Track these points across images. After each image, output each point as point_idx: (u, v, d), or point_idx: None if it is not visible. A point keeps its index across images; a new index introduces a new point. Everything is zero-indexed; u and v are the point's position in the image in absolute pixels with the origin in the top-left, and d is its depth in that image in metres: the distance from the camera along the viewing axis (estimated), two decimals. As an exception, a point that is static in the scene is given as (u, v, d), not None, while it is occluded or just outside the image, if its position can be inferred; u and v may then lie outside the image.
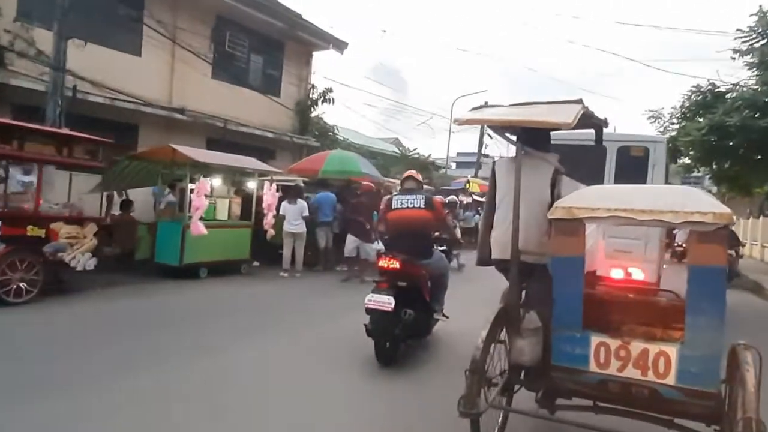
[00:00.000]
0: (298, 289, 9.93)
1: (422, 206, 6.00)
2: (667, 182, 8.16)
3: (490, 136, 30.24)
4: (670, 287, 4.30)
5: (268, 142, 17.08)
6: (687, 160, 18.91)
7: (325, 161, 13.57)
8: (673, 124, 18.63)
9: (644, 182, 7.17)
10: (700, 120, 15.80)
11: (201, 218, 9.88)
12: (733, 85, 16.49)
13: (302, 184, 12.96)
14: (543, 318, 3.36)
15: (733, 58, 16.34)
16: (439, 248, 6.74)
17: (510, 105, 3.84)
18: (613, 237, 6.41)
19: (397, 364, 5.48)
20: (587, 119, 3.65)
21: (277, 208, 11.52)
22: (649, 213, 2.88)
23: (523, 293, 3.67)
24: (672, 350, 2.85)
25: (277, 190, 12.24)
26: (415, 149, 29.94)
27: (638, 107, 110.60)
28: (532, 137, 3.68)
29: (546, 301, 3.32)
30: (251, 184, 12.12)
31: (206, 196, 10.23)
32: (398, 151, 29.80)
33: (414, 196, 6.09)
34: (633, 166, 7.34)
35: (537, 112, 3.55)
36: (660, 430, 3.20)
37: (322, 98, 19.22)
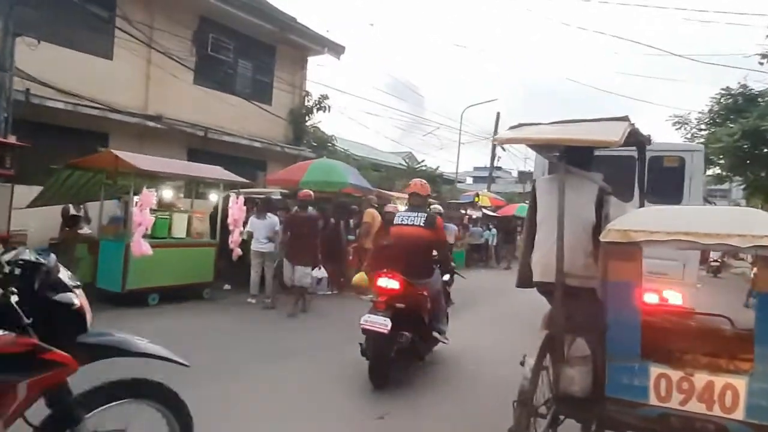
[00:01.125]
0: (262, 319, 9.07)
1: (422, 224, 6.16)
2: (705, 198, 8.05)
3: (504, 149, 30.58)
4: (708, 309, 4.32)
5: (257, 152, 16.96)
6: (717, 170, 18.70)
7: (306, 171, 13.05)
8: (701, 130, 18.62)
9: (680, 196, 7.05)
10: (732, 125, 15.69)
11: (146, 236, 9.18)
12: None
13: (279, 197, 12.73)
14: (592, 345, 3.37)
15: (761, 63, 16.34)
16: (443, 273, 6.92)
17: (551, 123, 3.91)
18: (645, 257, 6.30)
19: (392, 386, 5.64)
20: (632, 137, 3.70)
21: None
22: (714, 237, 2.93)
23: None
24: (740, 383, 2.89)
25: (255, 204, 11.74)
26: (422, 161, 30.06)
27: (661, 112, 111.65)
28: (575, 156, 3.75)
29: (595, 327, 3.34)
30: (213, 197, 11.74)
31: (156, 210, 9.83)
32: (405, 164, 29.86)
33: (416, 214, 6.28)
34: (666, 178, 7.05)
35: (582, 130, 3.64)
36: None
37: (318, 106, 19.16)
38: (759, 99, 16.49)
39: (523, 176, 48.49)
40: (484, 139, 35.25)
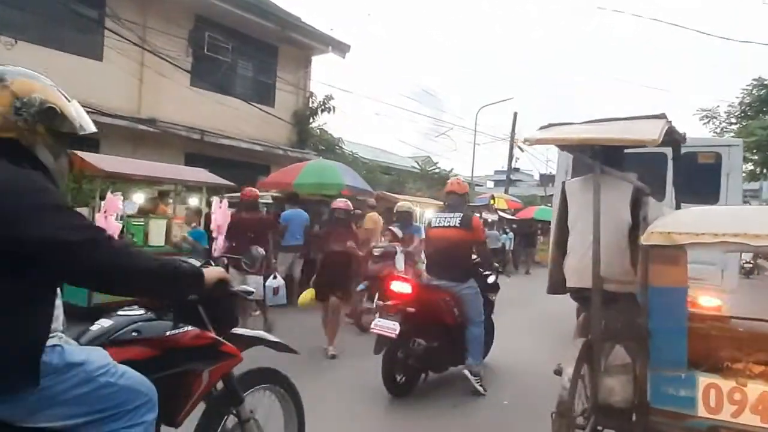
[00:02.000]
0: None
1: (458, 225, 6.10)
2: (743, 198, 7.94)
3: (522, 149, 30.80)
4: (745, 313, 4.31)
5: (259, 156, 17.01)
6: (750, 166, 18.23)
7: (300, 172, 12.73)
8: (731, 124, 18.53)
9: (717, 195, 6.92)
10: (766, 117, 15.69)
11: (118, 245, 9.08)
12: None
13: (270, 200, 12.64)
14: (632, 353, 3.36)
15: None
16: (486, 272, 6.84)
17: (583, 122, 3.92)
18: None
19: (413, 399, 5.69)
20: (667, 135, 3.68)
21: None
22: (765, 238, 2.88)
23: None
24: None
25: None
26: (436, 163, 30.47)
27: (688, 103, 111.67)
28: (607, 156, 3.76)
29: (635, 334, 3.32)
30: (193, 201, 11.67)
31: (131, 216, 9.75)
32: (418, 166, 30.08)
33: (451, 214, 6.23)
34: (702, 176, 6.91)
35: (617, 129, 3.68)
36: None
37: (323, 107, 19.24)
38: None
39: (545, 179, 48.60)
40: (500, 140, 35.16)
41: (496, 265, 7.69)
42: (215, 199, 10.90)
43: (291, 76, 18.60)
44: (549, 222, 28.87)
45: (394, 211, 10.89)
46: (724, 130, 18.82)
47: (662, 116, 3.65)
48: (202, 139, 15.06)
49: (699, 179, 6.67)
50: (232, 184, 11.83)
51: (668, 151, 6.72)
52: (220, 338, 2.73)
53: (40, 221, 1.93)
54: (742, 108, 17.87)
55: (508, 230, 25.10)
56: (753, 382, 2.97)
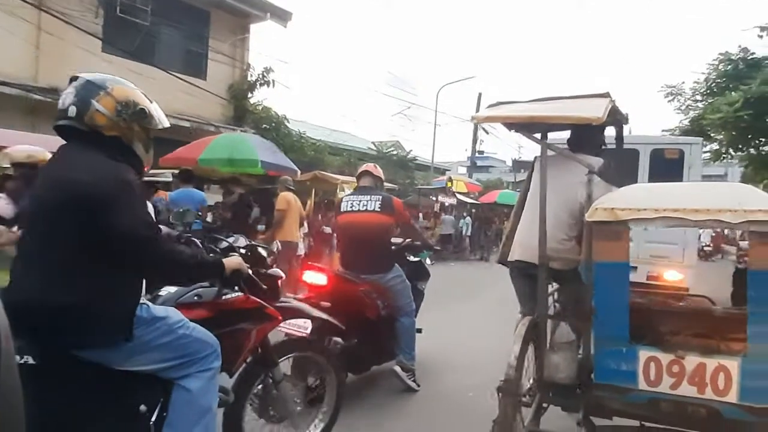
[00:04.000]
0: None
1: (378, 209, 5.97)
2: None
3: (486, 131, 31.59)
4: (699, 291, 4.78)
5: (186, 133, 16.47)
6: (715, 145, 18.88)
7: (206, 147, 12.38)
8: (696, 101, 19.06)
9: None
10: (733, 93, 15.84)
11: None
12: None
13: (169, 179, 12.54)
14: (577, 330, 3.74)
15: (761, 36, 16.78)
16: (413, 258, 6.90)
17: (531, 100, 4.32)
18: (650, 242, 8.10)
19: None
20: (612, 115, 4.10)
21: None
22: (704, 212, 3.29)
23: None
24: (733, 364, 3.27)
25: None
26: (410, 151, 31.60)
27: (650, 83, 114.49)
28: (579, 138, 4.33)
29: (580, 310, 3.71)
30: None
31: None
32: (375, 148, 30.83)
33: (368, 197, 6.07)
34: (667, 168, 8.54)
35: (562, 107, 4.08)
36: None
37: (261, 81, 19.35)
38: (764, 62, 16.71)
39: (518, 165, 49.88)
40: (463, 121, 36.03)
41: (437, 247, 7.96)
42: None
43: (226, 46, 18.55)
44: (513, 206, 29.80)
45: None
46: (689, 107, 19.56)
47: (606, 95, 4.04)
48: None
49: (667, 171, 8.33)
50: None
51: (643, 147, 8.76)
52: (264, 302, 3.58)
53: (123, 215, 2.63)
54: (708, 84, 18.36)
55: (466, 215, 25.74)
56: (690, 355, 3.38)
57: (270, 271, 3.86)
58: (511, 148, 74.56)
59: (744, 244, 9.93)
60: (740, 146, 17.79)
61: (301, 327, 5.26)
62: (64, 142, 2.89)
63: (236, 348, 3.41)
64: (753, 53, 17.10)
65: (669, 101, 20.02)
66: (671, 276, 8.18)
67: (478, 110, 31.89)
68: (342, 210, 6.17)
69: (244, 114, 19.43)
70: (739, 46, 17.44)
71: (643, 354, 3.46)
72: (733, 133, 16.53)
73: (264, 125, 20.39)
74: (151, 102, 3.01)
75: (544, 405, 4.05)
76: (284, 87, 43.63)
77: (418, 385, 6.06)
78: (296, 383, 4.14)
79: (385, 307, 5.94)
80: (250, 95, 19.71)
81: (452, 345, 7.87)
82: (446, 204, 25.51)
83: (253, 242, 3.98)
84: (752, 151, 17.79)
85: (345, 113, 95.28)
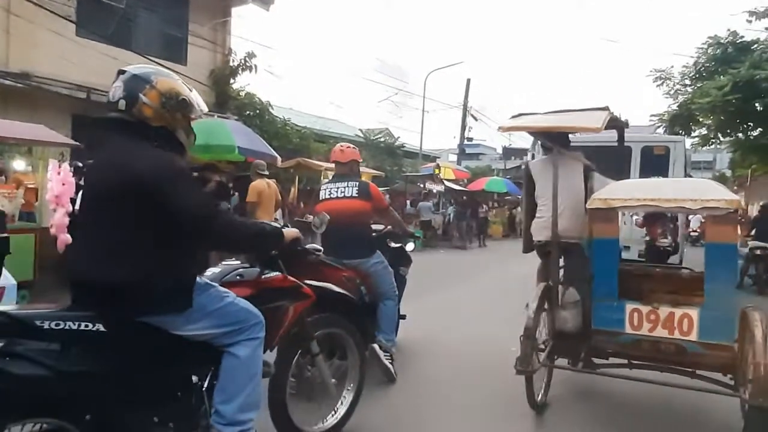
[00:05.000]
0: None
1: (355, 195, 6.40)
2: (687, 175, 11.84)
3: (475, 118, 34.22)
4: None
5: None
6: (703, 130, 19.72)
7: None
8: (685, 85, 19.71)
9: (666, 175, 10.82)
10: (722, 77, 16.49)
11: None
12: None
13: None
14: (581, 292, 5.27)
15: (749, 21, 17.52)
16: (394, 245, 7.19)
17: (546, 112, 6.02)
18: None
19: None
20: (612, 122, 5.75)
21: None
22: (673, 201, 4.92)
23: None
24: (694, 312, 4.84)
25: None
26: (380, 132, 32.50)
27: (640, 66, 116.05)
28: (559, 139, 5.82)
29: (583, 277, 5.24)
30: (19, 165, 11.53)
31: None
32: (361, 136, 31.77)
33: (345, 184, 6.49)
34: (656, 163, 11.17)
35: (569, 118, 5.71)
36: (685, 381, 5.18)
37: (244, 66, 19.87)
38: (753, 47, 17.35)
39: (507, 152, 52.21)
40: (452, 107, 37.25)
41: (416, 232, 9.03)
42: (52, 163, 10.44)
43: (207, 30, 18.90)
44: (502, 194, 31.38)
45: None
46: (678, 92, 20.13)
47: (605, 108, 5.66)
48: (89, 98, 14.99)
49: (655, 165, 11.03)
50: (75, 143, 11.90)
51: (635, 145, 11.30)
52: (300, 282, 4.09)
53: (184, 198, 3.08)
54: (697, 68, 19.01)
55: (452, 201, 27.26)
56: (663, 306, 4.95)
57: (309, 246, 4.17)
58: (501, 136, 75.85)
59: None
60: (728, 131, 18.55)
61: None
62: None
63: (276, 323, 3.76)
64: (742, 37, 17.83)
65: (658, 86, 20.66)
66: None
67: (466, 96, 34.49)
68: (321, 198, 6.59)
69: (226, 100, 19.78)
70: (728, 30, 18.08)
71: (629, 307, 5.03)
72: (722, 117, 17.23)
73: (247, 112, 21.06)
74: (190, 90, 3.38)
75: (555, 357, 5.62)
76: (270, 74, 43.93)
77: (396, 373, 6.29)
78: (325, 359, 4.51)
79: (368, 293, 6.35)
80: (232, 81, 20.11)
81: (435, 332, 8.38)
82: (434, 191, 26.68)
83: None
84: (740, 135, 18.65)
85: (332, 100, 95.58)
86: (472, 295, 12.04)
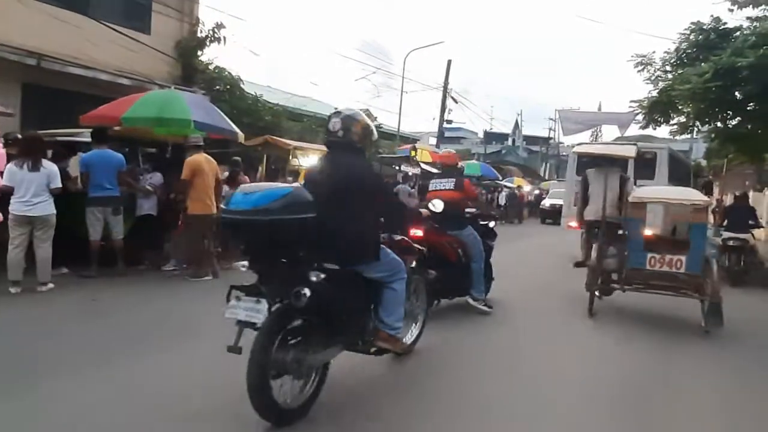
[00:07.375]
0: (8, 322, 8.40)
1: (452, 188, 10.15)
2: (671, 177, 17.20)
3: (455, 101, 39.94)
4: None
5: (126, 92, 16.12)
6: (682, 118, 21.70)
7: (132, 105, 12.35)
8: (666, 72, 21.48)
9: (652, 176, 17.95)
10: (703, 64, 17.66)
11: None
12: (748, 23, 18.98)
13: (88, 138, 12.16)
14: (619, 250, 11.18)
15: (731, 10, 19.68)
16: (482, 222, 11.03)
17: (603, 143, 12.40)
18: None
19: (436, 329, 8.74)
20: (639, 153, 12.13)
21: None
22: (676, 200, 11.13)
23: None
24: (683, 257, 10.72)
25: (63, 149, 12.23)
26: (375, 118, 34.15)
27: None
28: (608, 159, 12.28)
29: (621, 241, 11.21)
30: None
31: None
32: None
33: (446, 179, 10.36)
34: (646, 166, 17.28)
35: (615, 148, 12.29)
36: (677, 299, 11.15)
37: (212, 37, 21.50)
38: (736, 33, 18.43)
39: (489, 137, 57.65)
40: (432, 88, 41.13)
41: (494, 214, 13.83)
42: None
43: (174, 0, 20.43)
44: (479, 177, 35.74)
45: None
46: (659, 78, 21.57)
47: (635, 143, 12.14)
48: (39, 66, 15.65)
49: (645, 168, 17.45)
50: (10, 112, 12.83)
51: (653, 154, 18.24)
52: (412, 243, 7.33)
53: (386, 194, 6.76)
54: (678, 54, 20.24)
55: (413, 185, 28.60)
56: (667, 255, 10.75)
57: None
58: (481, 119, 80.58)
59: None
60: (707, 119, 20.15)
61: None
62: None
63: None
64: (725, 23, 19.17)
65: (639, 71, 21.90)
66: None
67: (447, 78, 40.51)
68: (430, 189, 10.59)
69: (193, 73, 21.19)
70: (711, 16, 19.28)
71: (649, 255, 10.81)
72: (701, 105, 18.39)
73: (217, 87, 22.46)
74: (373, 121, 7.02)
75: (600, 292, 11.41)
76: (248, 51, 44.66)
77: (490, 307, 10.41)
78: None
79: (464, 255, 10.09)
80: (200, 53, 21.58)
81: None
82: (409, 173, 29.11)
83: None
84: (719, 124, 20.49)
85: (310, 79, 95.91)
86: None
